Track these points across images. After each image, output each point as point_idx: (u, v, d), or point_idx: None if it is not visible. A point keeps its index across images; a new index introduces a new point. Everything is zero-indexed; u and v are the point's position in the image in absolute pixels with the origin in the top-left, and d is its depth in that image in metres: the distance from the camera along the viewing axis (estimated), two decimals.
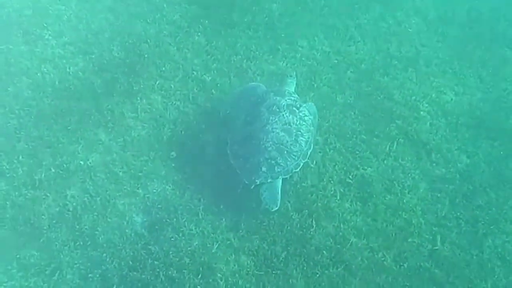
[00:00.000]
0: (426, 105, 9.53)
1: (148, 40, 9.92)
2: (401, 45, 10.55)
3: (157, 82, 9.30)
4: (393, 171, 8.62)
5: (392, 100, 9.54)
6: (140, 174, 8.25)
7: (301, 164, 8.07)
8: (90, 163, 8.25)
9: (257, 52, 10.00)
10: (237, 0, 10.86)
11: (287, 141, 7.96)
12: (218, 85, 9.35)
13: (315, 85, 9.43)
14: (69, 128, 8.55)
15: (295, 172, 8.06)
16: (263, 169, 7.83)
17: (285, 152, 7.92)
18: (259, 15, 10.66)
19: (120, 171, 8.23)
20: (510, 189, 8.57)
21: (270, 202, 7.88)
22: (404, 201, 8.29)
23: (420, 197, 8.38)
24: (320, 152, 8.66)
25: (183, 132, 8.79)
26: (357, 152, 8.77)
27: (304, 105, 8.46)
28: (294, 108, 8.24)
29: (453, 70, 10.20)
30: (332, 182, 8.36)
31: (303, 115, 8.26)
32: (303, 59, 9.94)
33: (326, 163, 8.55)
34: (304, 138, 8.10)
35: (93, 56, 9.58)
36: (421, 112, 9.42)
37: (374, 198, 8.26)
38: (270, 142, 7.91)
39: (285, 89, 8.72)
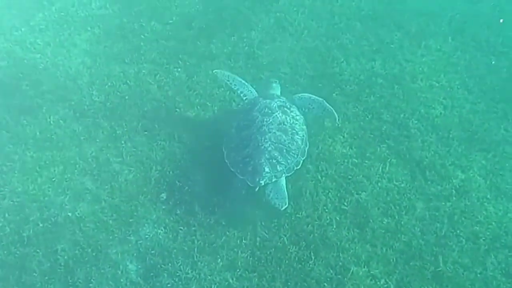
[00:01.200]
0: (416, 121, 9.54)
1: (128, 81, 9.93)
2: (385, 62, 10.58)
3: (140, 124, 9.30)
4: (388, 193, 8.61)
5: (381, 120, 9.56)
6: (130, 220, 8.21)
7: (301, 161, 8.33)
8: (78, 213, 8.21)
9: None
10: (215, 31, 10.91)
11: (285, 140, 8.28)
12: (203, 120, 9.33)
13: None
14: (54, 179, 8.53)
15: (296, 169, 8.29)
16: (266, 169, 8.05)
17: (284, 150, 8.22)
18: (239, 45, 10.71)
19: (110, 219, 8.20)
20: (508, 202, 8.57)
21: (279, 201, 8.05)
22: (402, 223, 8.27)
23: (418, 218, 8.36)
24: (312, 180, 8.65)
25: (171, 172, 8.77)
26: (350, 177, 8.76)
27: (294, 105, 8.86)
28: (285, 109, 8.64)
29: (439, 83, 10.23)
30: (327, 210, 8.34)
31: (295, 114, 8.67)
32: (286, 85, 9.91)
33: (319, 191, 8.53)
34: (299, 136, 8.43)
35: (73, 103, 9.58)
36: (411, 130, 9.43)
37: (371, 223, 8.23)
38: (269, 142, 8.20)
39: (272, 93, 9.19)
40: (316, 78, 10.15)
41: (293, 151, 8.28)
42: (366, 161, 8.96)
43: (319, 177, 8.71)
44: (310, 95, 8.99)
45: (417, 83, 10.22)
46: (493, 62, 10.80)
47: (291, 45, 10.86)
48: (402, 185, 8.69)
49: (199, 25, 11.01)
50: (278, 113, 8.50)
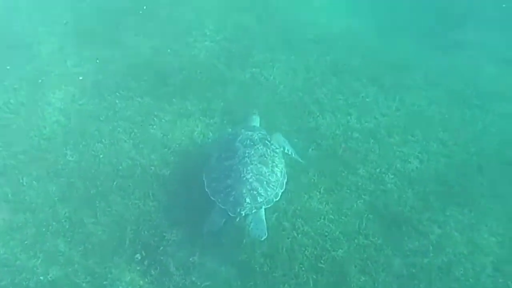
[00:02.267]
0: (392, 176, 9.59)
1: (103, 139, 9.92)
2: (360, 116, 10.68)
3: (114, 183, 9.25)
4: (365, 250, 8.57)
5: (357, 175, 9.59)
6: (105, 282, 8.11)
7: (280, 194, 8.53)
8: (50, 277, 8.09)
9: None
10: (191, 87, 10.98)
11: (265, 172, 8.51)
12: (178, 178, 9.32)
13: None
14: (26, 242, 8.43)
15: (275, 201, 8.46)
16: (247, 200, 8.23)
17: (265, 182, 8.43)
18: (214, 101, 10.77)
19: (83, 282, 8.09)
20: (485, 257, 8.54)
21: (259, 232, 8.23)
22: (380, 280, 8.22)
23: (395, 275, 8.31)
24: (288, 237, 8.60)
25: (146, 232, 8.67)
26: (327, 234, 8.72)
27: (273, 138, 9.22)
28: (266, 141, 8.97)
29: (415, 137, 10.32)
30: (303, 269, 8.28)
31: (275, 147, 8.99)
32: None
33: (296, 249, 8.48)
34: (279, 168, 8.70)
35: (47, 163, 9.52)
36: (388, 185, 9.46)
37: (348, 281, 8.17)
38: (250, 174, 8.41)
39: (253, 125, 9.66)
40: (292, 133, 10.18)
41: (273, 183, 8.48)
42: (343, 217, 8.94)
43: (295, 234, 8.67)
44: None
45: (393, 137, 10.30)
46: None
47: (267, 100, 10.95)
48: (379, 241, 8.67)
49: (174, 81, 11.09)
50: (260, 146, 8.79)
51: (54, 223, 8.70)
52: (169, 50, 11.94)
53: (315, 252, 8.50)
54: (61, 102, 10.62)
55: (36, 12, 12.58)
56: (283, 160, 8.95)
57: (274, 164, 8.68)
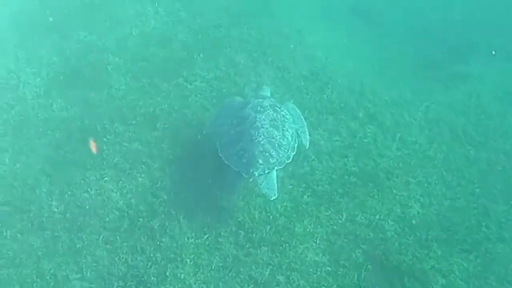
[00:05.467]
0: (392, 223, 9.45)
1: (89, 189, 9.75)
2: (358, 158, 10.52)
3: (101, 236, 9.12)
4: None
5: (355, 222, 9.45)
6: None
7: (291, 156, 9.26)
8: None
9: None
10: (181, 131, 10.75)
11: (276, 135, 9.19)
12: (167, 230, 9.16)
13: (271, 217, 9.26)
14: None
15: (287, 163, 9.16)
16: (260, 161, 8.93)
17: (276, 145, 9.12)
18: (205, 146, 10.50)
19: None
20: None
21: (269, 192, 8.96)
22: None
23: None
24: None
25: None
26: (323, 287, 8.54)
27: (283, 106, 9.92)
28: (276, 108, 9.57)
29: (416, 179, 10.18)
30: None
31: (285, 113, 9.64)
32: (255, 189, 9.74)
33: None
34: (289, 132, 9.40)
35: (31, 215, 9.40)
36: (388, 232, 9.32)
37: None
38: (262, 137, 9.09)
39: (263, 94, 10.42)
40: (286, 179, 9.99)
41: (284, 146, 9.17)
42: (340, 269, 8.82)
43: None
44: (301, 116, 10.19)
45: (392, 180, 10.14)
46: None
47: None
48: None
49: (163, 125, 10.86)
50: (270, 111, 9.40)
51: (38, 280, 8.62)
52: (158, 91, 11.69)
53: None
54: (47, 149, 10.44)
55: (22, 52, 12.43)
56: (293, 126, 9.62)
57: (284, 128, 9.34)
